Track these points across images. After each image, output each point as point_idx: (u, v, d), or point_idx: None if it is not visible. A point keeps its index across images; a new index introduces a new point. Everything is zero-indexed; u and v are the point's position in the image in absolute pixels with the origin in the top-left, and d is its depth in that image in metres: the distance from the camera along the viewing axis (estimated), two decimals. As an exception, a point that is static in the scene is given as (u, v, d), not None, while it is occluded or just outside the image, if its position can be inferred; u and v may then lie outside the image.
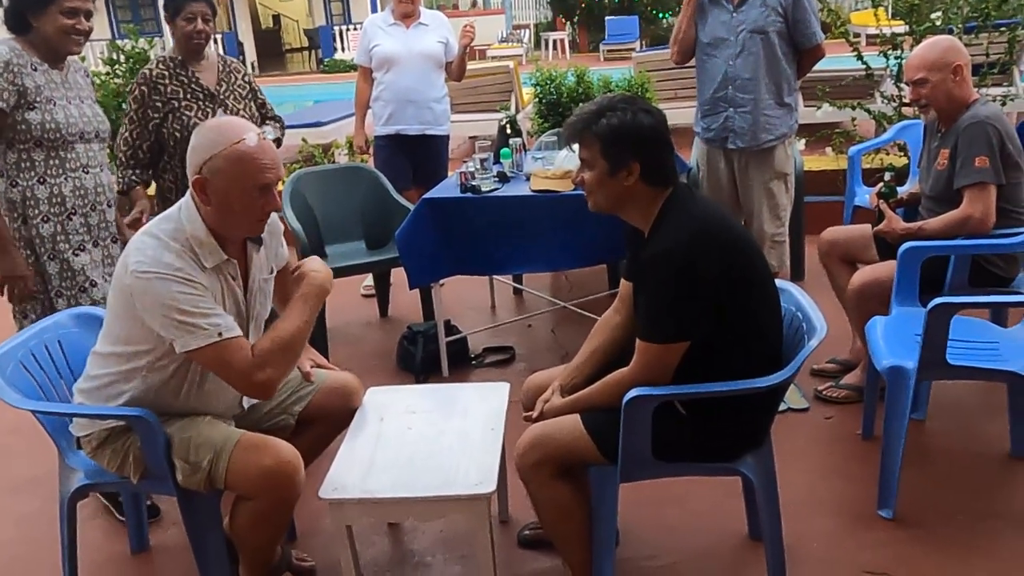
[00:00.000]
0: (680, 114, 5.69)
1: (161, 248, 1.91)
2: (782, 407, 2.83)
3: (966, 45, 2.97)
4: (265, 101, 3.38)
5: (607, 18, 17.03)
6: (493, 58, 14.07)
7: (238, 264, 2.05)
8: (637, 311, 2.06)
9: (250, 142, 1.92)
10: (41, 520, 2.65)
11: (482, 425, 2.21)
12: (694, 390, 1.95)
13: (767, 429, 2.09)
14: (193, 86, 3.10)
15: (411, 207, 3.64)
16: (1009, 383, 2.64)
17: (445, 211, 3.48)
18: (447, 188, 3.68)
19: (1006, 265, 2.87)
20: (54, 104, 2.56)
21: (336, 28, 20.34)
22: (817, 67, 3.65)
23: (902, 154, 5.06)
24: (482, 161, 3.68)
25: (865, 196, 3.93)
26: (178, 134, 3.04)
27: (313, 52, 22.11)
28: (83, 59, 3.06)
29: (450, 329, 3.73)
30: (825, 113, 5.70)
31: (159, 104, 3.06)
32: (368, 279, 4.62)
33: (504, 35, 18.78)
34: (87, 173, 2.66)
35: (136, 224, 2.84)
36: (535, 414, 2.13)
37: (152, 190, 3.22)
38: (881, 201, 3.05)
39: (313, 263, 2.15)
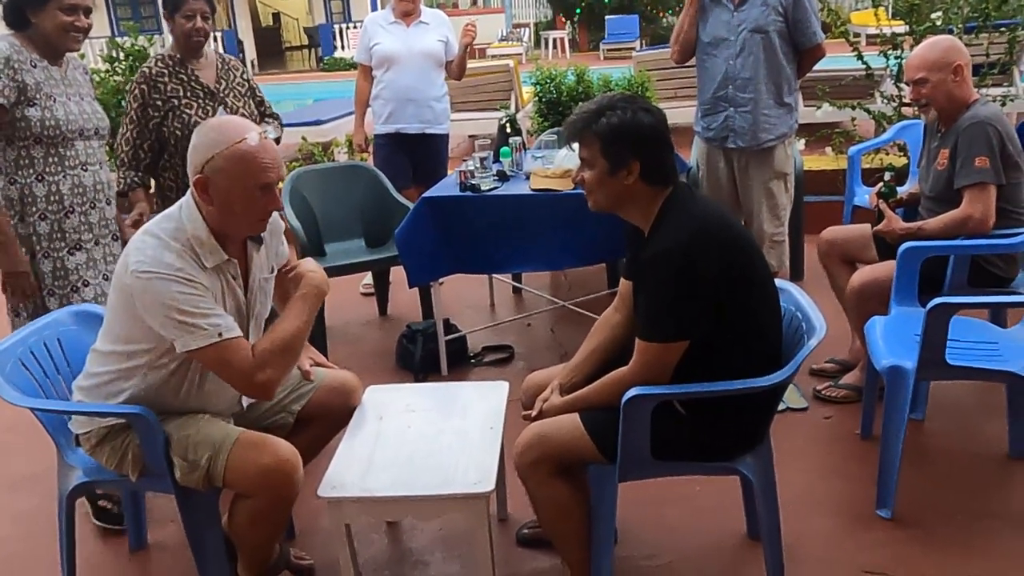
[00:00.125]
0: (680, 113, 5.69)
1: (161, 248, 1.90)
2: (781, 407, 2.83)
3: (966, 45, 2.97)
4: (263, 99, 3.38)
5: (607, 17, 17.04)
6: (493, 57, 14.08)
7: (238, 263, 2.04)
8: (637, 310, 2.06)
9: (252, 141, 1.92)
10: (39, 517, 2.65)
11: (481, 424, 2.21)
12: (693, 389, 1.95)
13: (766, 429, 2.09)
14: (193, 84, 3.10)
15: (411, 206, 3.63)
16: (1008, 383, 2.64)
17: (445, 210, 3.48)
18: (447, 187, 3.68)
19: (1005, 265, 2.88)
20: (54, 101, 2.55)
21: (336, 26, 20.33)
22: (817, 67, 3.65)
23: (902, 154, 5.06)
24: (482, 160, 3.68)
25: (865, 196, 3.93)
26: (179, 132, 3.04)
27: (313, 50, 22.11)
28: (83, 56, 3.05)
29: (449, 328, 3.73)
30: (825, 113, 5.70)
31: (159, 103, 3.05)
32: (367, 277, 4.61)
33: (504, 34, 18.78)
34: (86, 171, 2.65)
35: (136, 225, 2.83)
36: (534, 413, 2.13)
37: (152, 188, 3.22)
38: (881, 201, 3.05)
39: (309, 263, 2.16)
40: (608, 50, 16.11)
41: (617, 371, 2.01)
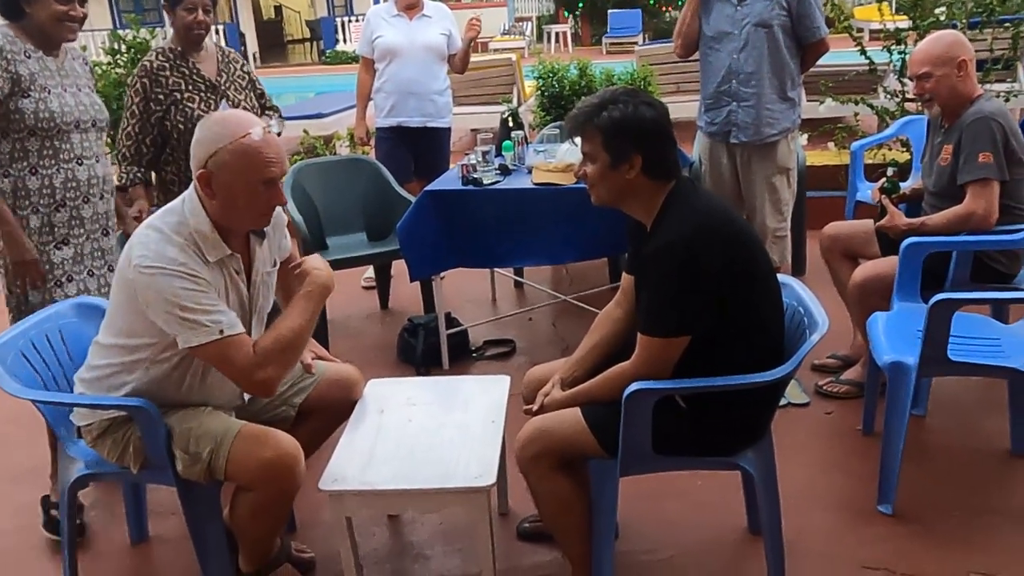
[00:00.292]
0: (683, 108, 5.68)
1: (164, 242, 1.90)
2: (782, 402, 2.83)
3: (970, 40, 2.95)
4: (264, 92, 3.37)
5: (610, 11, 17.02)
6: (495, 51, 14.05)
7: (241, 257, 2.04)
8: (639, 305, 2.05)
9: (255, 136, 1.91)
10: (40, 510, 2.65)
11: (482, 418, 2.21)
12: (695, 384, 1.95)
13: (767, 424, 2.09)
14: (195, 77, 3.09)
15: (412, 199, 3.63)
16: (1010, 380, 2.64)
17: (447, 203, 3.47)
18: (449, 180, 3.67)
19: (1008, 261, 2.87)
20: (48, 92, 2.51)
21: (338, 19, 20.30)
22: (820, 62, 3.64)
23: (905, 150, 5.05)
24: (484, 154, 3.68)
25: (867, 191, 3.92)
26: (181, 126, 3.03)
27: (315, 43, 22.07)
28: (84, 48, 3.03)
29: (451, 322, 3.73)
30: (828, 108, 5.68)
31: (161, 97, 3.04)
32: (369, 271, 4.61)
33: (506, 27, 18.74)
34: (81, 164, 2.60)
35: (136, 221, 2.82)
36: (535, 407, 2.13)
37: (153, 182, 3.21)
38: (884, 196, 3.05)
39: (315, 261, 2.14)
40: (610, 44, 16.08)
41: (619, 366, 2.01)
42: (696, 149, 3.80)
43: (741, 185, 3.62)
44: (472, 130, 7.57)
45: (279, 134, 3.10)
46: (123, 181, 3.05)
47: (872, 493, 2.51)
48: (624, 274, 2.26)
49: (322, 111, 7.75)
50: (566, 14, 18.88)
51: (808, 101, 5.44)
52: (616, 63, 7.06)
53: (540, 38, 18.45)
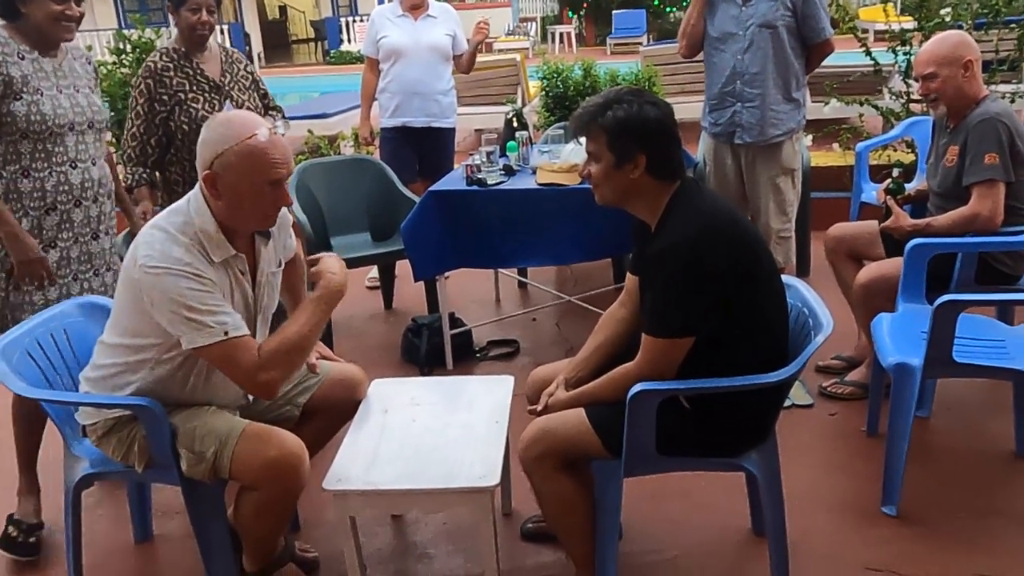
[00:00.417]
0: (687, 108, 5.66)
1: (170, 242, 1.90)
2: (787, 403, 2.83)
3: (976, 41, 2.95)
4: (267, 92, 3.37)
5: (614, 12, 17.00)
6: (500, 51, 14.05)
7: (246, 258, 2.04)
8: (643, 306, 2.05)
9: (261, 137, 1.91)
10: (45, 508, 2.64)
11: (486, 418, 2.21)
12: (699, 385, 1.95)
13: (772, 425, 2.09)
14: (199, 78, 3.09)
15: (416, 199, 3.63)
16: (1015, 381, 2.64)
17: (451, 204, 3.47)
18: (453, 181, 3.67)
19: (1013, 263, 2.86)
20: (41, 95, 2.46)
21: (343, 19, 20.30)
22: (825, 62, 3.63)
23: (910, 150, 5.03)
24: (488, 154, 3.68)
25: (872, 192, 3.91)
26: (186, 127, 3.03)
27: (319, 44, 22.09)
28: (90, 48, 3.02)
29: (455, 322, 3.73)
30: (833, 109, 5.67)
31: (165, 97, 3.04)
32: (373, 271, 4.62)
33: (511, 28, 18.75)
34: (75, 168, 2.55)
35: (142, 220, 2.81)
36: (539, 408, 2.13)
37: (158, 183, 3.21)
38: (888, 197, 3.04)
39: (332, 263, 2.09)
40: (615, 45, 16.08)
41: (623, 366, 2.01)
42: (701, 150, 3.80)
43: (745, 186, 3.62)
44: (476, 130, 7.59)
45: (283, 135, 3.10)
46: (128, 182, 3.05)
47: (876, 495, 2.51)
48: (628, 274, 2.26)
49: (326, 111, 7.76)
50: (570, 14, 18.89)
51: (813, 102, 5.43)
52: (620, 64, 7.06)
53: (544, 38, 18.45)
